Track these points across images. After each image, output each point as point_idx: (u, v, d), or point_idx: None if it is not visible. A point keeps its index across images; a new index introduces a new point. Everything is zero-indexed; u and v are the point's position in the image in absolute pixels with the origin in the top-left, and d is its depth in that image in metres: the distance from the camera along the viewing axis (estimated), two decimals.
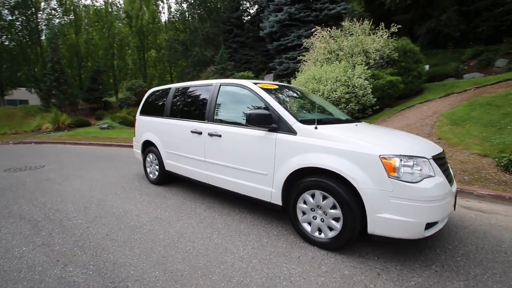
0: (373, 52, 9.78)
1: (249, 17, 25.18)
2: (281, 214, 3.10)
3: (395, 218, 2.01)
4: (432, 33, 15.58)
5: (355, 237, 2.22)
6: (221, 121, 3.20)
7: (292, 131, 2.53)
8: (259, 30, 19.47)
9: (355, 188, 2.14)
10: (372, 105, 8.77)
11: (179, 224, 2.89)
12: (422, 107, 9.01)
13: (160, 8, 32.74)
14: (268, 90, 2.94)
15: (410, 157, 2.10)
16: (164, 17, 52.79)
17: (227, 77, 17.11)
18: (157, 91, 4.56)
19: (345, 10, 16.38)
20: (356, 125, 2.92)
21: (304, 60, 11.47)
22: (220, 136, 3.10)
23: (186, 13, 28.02)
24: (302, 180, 2.43)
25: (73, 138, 10.71)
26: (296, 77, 10.61)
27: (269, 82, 3.39)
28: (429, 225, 2.06)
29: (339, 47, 10.10)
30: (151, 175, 4.49)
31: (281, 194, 2.60)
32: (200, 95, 3.63)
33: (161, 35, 30.06)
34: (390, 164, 2.04)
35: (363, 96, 8.51)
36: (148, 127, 4.44)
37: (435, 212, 2.04)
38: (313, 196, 2.40)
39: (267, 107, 2.75)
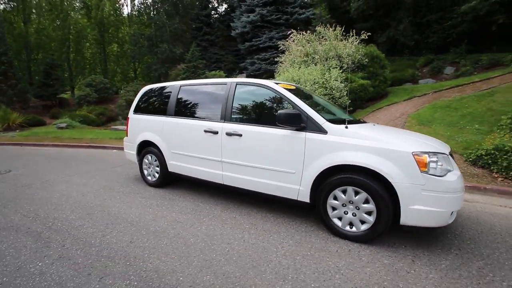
0: (346, 57, 10.42)
1: (216, 15, 24.84)
2: (303, 210, 3.18)
3: (426, 209, 2.23)
4: (391, 41, 17.13)
5: (388, 228, 2.40)
6: (240, 121, 3.18)
7: (322, 130, 2.63)
8: (229, 29, 19.32)
9: (388, 183, 2.32)
10: (347, 106, 9.32)
11: (203, 227, 2.80)
12: (390, 109, 9.87)
13: (122, 0, 30.54)
14: (290, 90, 3.00)
15: (435, 153, 2.35)
16: (127, 10, 49.59)
17: (199, 75, 16.66)
18: (155, 88, 4.32)
19: (313, 16, 17.14)
20: (374, 125, 3.14)
21: (281, 62, 11.73)
22: (240, 135, 3.07)
23: (151, 7, 26.61)
24: (333, 177, 2.54)
25: (30, 139, 9.53)
26: (274, 78, 10.81)
27: (286, 82, 3.45)
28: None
29: (314, 50, 10.56)
30: (149, 178, 4.23)
31: (310, 192, 2.69)
32: (212, 93, 3.55)
33: (123, 29, 27.99)
34: (422, 160, 2.25)
35: (339, 98, 9.00)
36: (145, 126, 4.19)
37: (458, 202, 2.32)
38: (344, 192, 2.53)
39: (294, 107, 2.81)
